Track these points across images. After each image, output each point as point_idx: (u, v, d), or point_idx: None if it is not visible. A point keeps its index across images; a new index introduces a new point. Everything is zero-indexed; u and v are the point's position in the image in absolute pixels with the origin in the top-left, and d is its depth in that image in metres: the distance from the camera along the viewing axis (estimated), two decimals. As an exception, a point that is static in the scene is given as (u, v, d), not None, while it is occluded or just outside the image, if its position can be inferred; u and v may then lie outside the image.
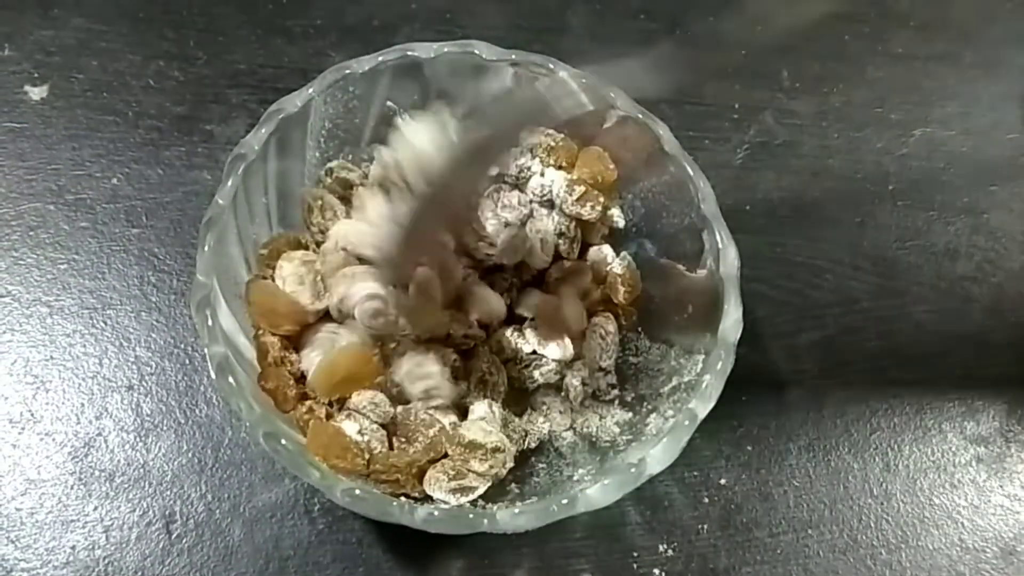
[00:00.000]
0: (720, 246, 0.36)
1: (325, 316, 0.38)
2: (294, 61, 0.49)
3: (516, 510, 0.31)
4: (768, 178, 0.50)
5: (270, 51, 0.50)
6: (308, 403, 0.35)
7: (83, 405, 0.39)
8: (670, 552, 0.39)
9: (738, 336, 0.35)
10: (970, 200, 0.51)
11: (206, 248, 0.33)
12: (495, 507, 0.34)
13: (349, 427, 0.35)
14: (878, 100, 0.54)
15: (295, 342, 0.37)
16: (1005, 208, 0.51)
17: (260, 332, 0.36)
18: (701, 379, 0.34)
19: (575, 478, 0.36)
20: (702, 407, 0.33)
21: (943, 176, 0.52)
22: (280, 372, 0.35)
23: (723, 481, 0.41)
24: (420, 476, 0.34)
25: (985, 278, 0.49)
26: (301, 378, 0.37)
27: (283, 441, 0.30)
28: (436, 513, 0.30)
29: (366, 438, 0.35)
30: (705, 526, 0.40)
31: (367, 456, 0.34)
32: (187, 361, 0.40)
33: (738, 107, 0.52)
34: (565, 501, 0.31)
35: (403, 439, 0.36)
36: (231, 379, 0.31)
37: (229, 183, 0.34)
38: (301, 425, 0.34)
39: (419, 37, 0.39)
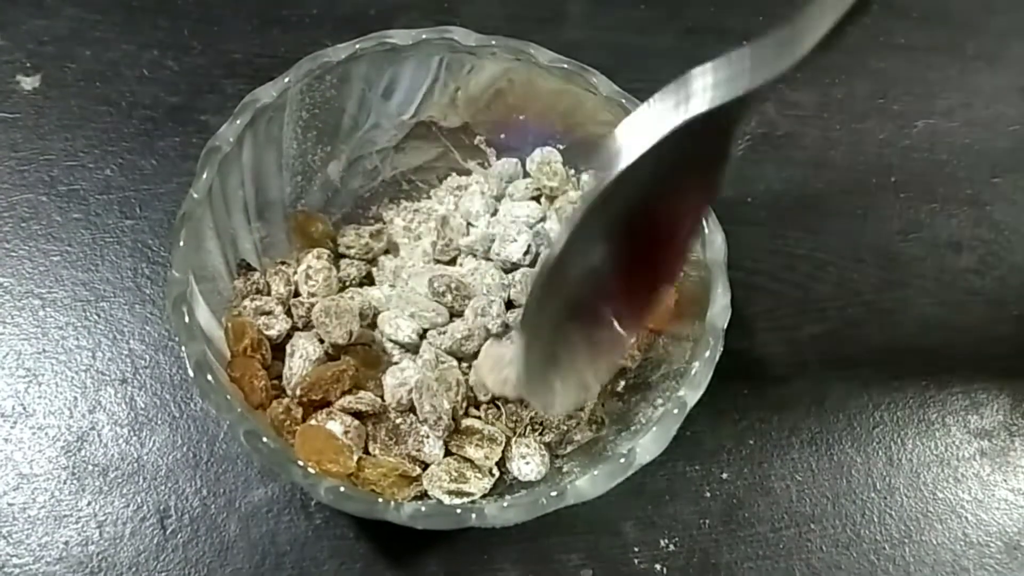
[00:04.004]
0: (707, 232, 0.36)
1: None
2: (290, 51, 0.48)
3: (505, 503, 0.31)
4: (770, 170, 0.50)
5: (265, 41, 0.49)
6: (285, 402, 0.34)
7: (76, 399, 0.39)
8: (671, 547, 0.39)
9: (726, 323, 0.34)
10: (973, 192, 0.51)
11: (181, 243, 0.32)
12: (483, 501, 0.34)
13: (335, 427, 0.34)
14: (880, 91, 0.54)
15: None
16: (1008, 200, 0.51)
17: (237, 312, 0.35)
18: (690, 367, 0.34)
19: (564, 470, 0.35)
20: (691, 395, 0.33)
21: (946, 168, 0.51)
22: (250, 363, 0.34)
23: (724, 475, 0.41)
24: (399, 484, 0.34)
25: (988, 271, 0.48)
26: (277, 377, 0.36)
27: (264, 439, 0.30)
28: (423, 509, 0.30)
29: (350, 435, 0.34)
30: (707, 521, 0.40)
31: (356, 457, 0.33)
32: (181, 354, 0.40)
33: (739, 98, 0.52)
34: (554, 493, 0.30)
35: (391, 437, 0.35)
36: (210, 377, 0.30)
37: (204, 176, 0.34)
38: (276, 424, 0.33)
39: (416, 27, 0.38)
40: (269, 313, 0.37)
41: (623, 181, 0.24)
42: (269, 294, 0.38)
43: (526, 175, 0.43)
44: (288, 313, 0.37)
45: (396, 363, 0.37)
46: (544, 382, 0.31)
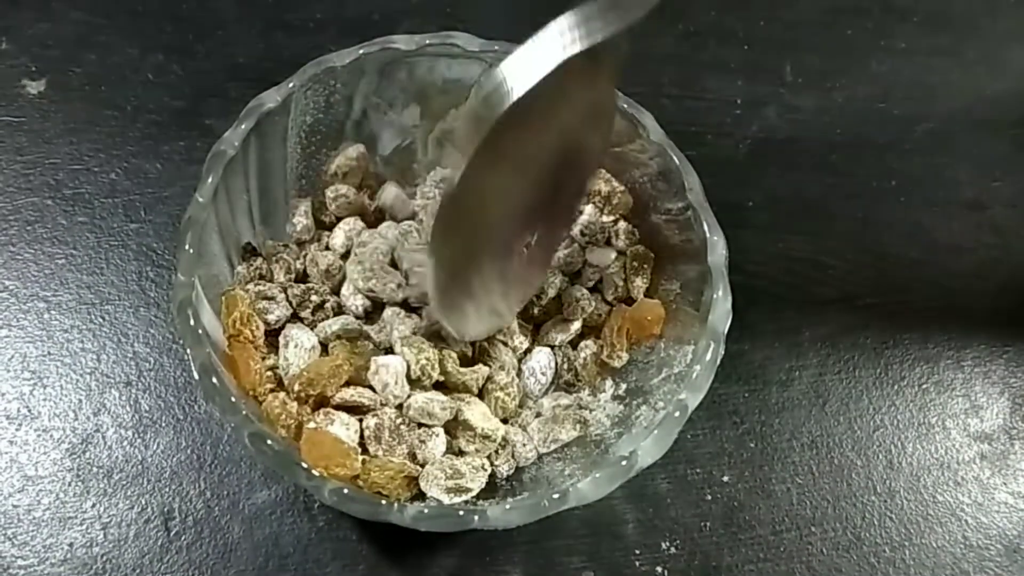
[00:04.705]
0: (707, 235, 0.36)
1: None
2: (294, 55, 0.48)
3: (507, 506, 0.31)
4: (770, 173, 0.50)
5: (269, 45, 0.50)
6: (281, 396, 0.34)
7: (81, 401, 0.39)
8: (672, 550, 0.39)
9: (727, 326, 0.34)
10: (974, 196, 0.51)
11: (186, 247, 0.32)
12: (486, 503, 0.34)
13: (338, 430, 0.34)
14: (881, 95, 0.54)
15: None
16: (1009, 204, 0.51)
17: (228, 290, 0.36)
18: (691, 370, 0.34)
19: (566, 472, 0.35)
20: (693, 398, 0.33)
21: (946, 172, 0.52)
22: (246, 346, 0.35)
23: (725, 478, 0.41)
24: (405, 485, 0.34)
25: (989, 274, 0.48)
26: (272, 368, 0.36)
27: (268, 442, 0.30)
28: (426, 511, 0.30)
29: (351, 430, 0.35)
30: (707, 524, 0.40)
31: (361, 459, 0.34)
32: (185, 357, 0.40)
33: (740, 102, 0.52)
34: (556, 496, 0.31)
35: (393, 438, 0.35)
36: (214, 380, 0.30)
37: (209, 180, 0.34)
38: (272, 418, 0.33)
39: (420, 32, 0.39)
40: (271, 299, 0.37)
41: (516, 113, 0.26)
42: (272, 280, 0.38)
43: None
44: (288, 301, 0.38)
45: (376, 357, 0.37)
46: (456, 307, 0.34)
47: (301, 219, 0.40)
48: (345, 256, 0.40)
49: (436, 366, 0.36)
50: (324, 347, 0.37)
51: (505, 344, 0.39)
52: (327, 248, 0.40)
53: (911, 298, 0.47)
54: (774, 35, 0.55)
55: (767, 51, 0.54)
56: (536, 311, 0.40)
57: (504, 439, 0.36)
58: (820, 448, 0.42)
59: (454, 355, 0.37)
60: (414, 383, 0.36)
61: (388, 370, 0.35)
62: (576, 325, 0.39)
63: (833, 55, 0.55)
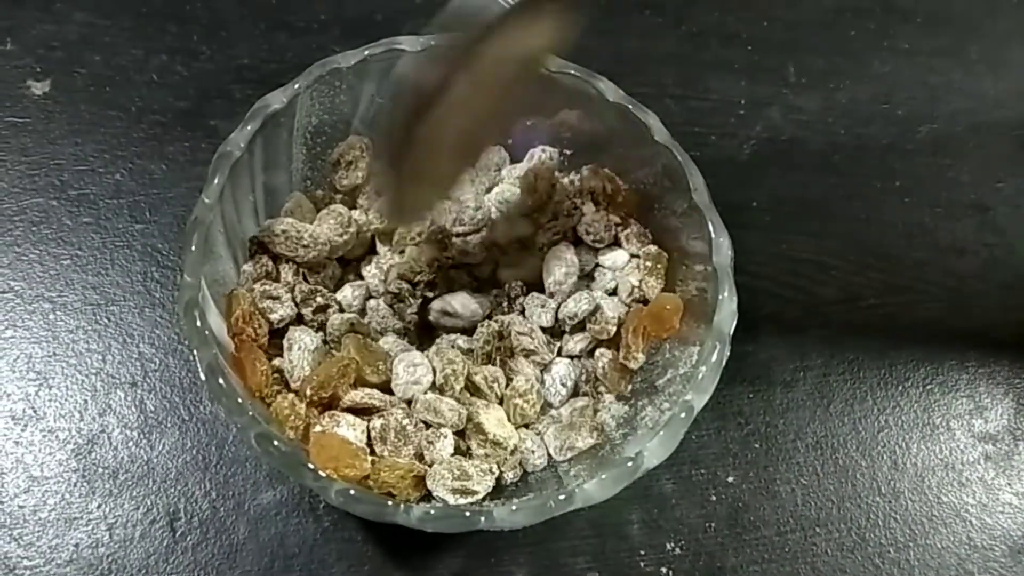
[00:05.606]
0: (713, 236, 0.36)
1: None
2: (297, 56, 0.49)
3: (513, 507, 0.31)
4: (774, 174, 0.50)
5: (273, 46, 0.50)
6: (290, 397, 0.34)
7: (86, 402, 0.39)
8: (677, 551, 0.39)
9: (733, 326, 0.34)
10: (976, 197, 0.51)
11: (192, 248, 0.32)
12: (492, 504, 0.34)
13: (346, 432, 0.34)
14: (884, 96, 0.54)
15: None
16: (1012, 204, 0.51)
17: (233, 290, 0.36)
18: (697, 371, 0.34)
19: (572, 473, 0.36)
20: (698, 399, 0.33)
21: (949, 172, 0.52)
22: (251, 347, 0.35)
23: (730, 479, 0.41)
24: (415, 485, 0.34)
25: (992, 275, 0.48)
26: (277, 370, 0.36)
27: (275, 443, 0.30)
28: (432, 512, 0.30)
29: (357, 432, 0.35)
30: (712, 524, 0.40)
31: (370, 460, 0.34)
32: (191, 357, 0.40)
33: (744, 102, 0.52)
34: (562, 497, 0.31)
35: (399, 439, 0.35)
36: (221, 380, 0.30)
37: (215, 181, 0.34)
38: (280, 419, 0.33)
39: (423, 33, 0.39)
40: (276, 298, 0.37)
41: (488, 31, 0.30)
42: (278, 280, 0.38)
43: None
44: (294, 300, 0.38)
45: (405, 351, 0.37)
46: (399, 197, 0.35)
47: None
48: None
49: (461, 378, 0.36)
50: (330, 347, 0.37)
51: (527, 357, 0.39)
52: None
53: (914, 299, 0.47)
54: (777, 36, 0.55)
55: (770, 52, 0.54)
56: (569, 327, 0.39)
57: (515, 447, 0.36)
58: (825, 449, 0.42)
59: (487, 372, 0.37)
60: (436, 389, 0.36)
61: (419, 369, 0.36)
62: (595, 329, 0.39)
63: (836, 56, 0.55)
